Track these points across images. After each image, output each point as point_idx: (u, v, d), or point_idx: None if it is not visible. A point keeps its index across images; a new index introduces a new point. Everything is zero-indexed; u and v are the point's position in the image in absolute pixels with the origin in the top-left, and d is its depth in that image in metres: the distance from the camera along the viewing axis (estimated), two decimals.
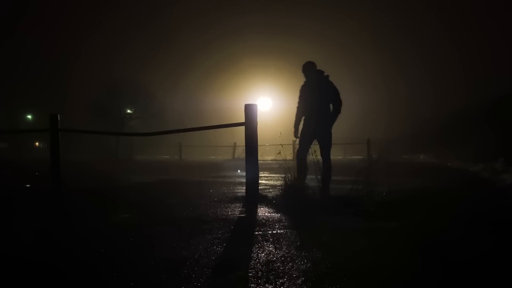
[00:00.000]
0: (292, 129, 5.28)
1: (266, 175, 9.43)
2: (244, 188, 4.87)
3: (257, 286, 1.96)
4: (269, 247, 2.62)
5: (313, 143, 5.09)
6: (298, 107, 5.35)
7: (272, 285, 1.96)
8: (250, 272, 2.14)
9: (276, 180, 7.57)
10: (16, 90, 31.34)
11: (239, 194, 5.16)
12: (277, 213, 3.93)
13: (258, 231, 3.13)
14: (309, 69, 5.29)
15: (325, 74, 5.24)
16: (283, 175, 4.74)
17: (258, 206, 4.31)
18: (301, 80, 5.36)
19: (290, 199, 4.37)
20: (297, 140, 5.29)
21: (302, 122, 5.28)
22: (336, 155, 28.00)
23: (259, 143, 4.85)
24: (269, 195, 4.89)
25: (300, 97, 5.36)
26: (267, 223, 3.43)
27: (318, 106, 5.10)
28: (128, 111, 29.32)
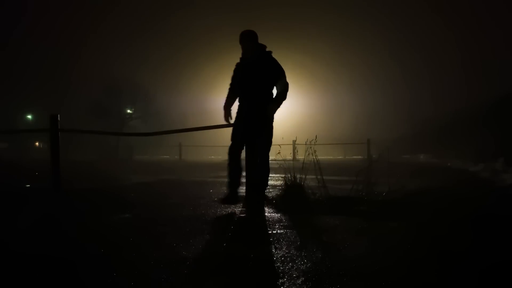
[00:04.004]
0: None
1: None
2: (244, 188, 4.86)
3: (257, 286, 1.95)
4: (269, 247, 2.62)
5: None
6: (230, 89, 4.42)
7: (272, 285, 1.96)
8: (250, 272, 2.14)
9: (276, 180, 7.56)
10: (16, 90, 31.35)
11: (239, 194, 5.15)
12: (277, 213, 3.93)
13: (258, 231, 3.12)
14: (248, 40, 4.25)
15: (267, 49, 4.29)
16: (283, 175, 4.74)
17: None
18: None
19: (290, 199, 4.36)
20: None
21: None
22: (336, 155, 28.04)
23: None
24: (269, 195, 4.89)
25: (234, 78, 4.39)
26: (267, 223, 3.43)
27: (256, 89, 4.17)
28: (128, 111, 29.36)
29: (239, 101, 4.34)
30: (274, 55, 4.39)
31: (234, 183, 4.30)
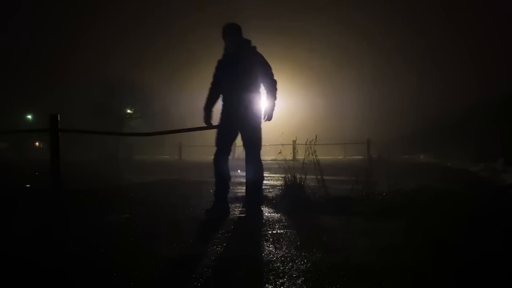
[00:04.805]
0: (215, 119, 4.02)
1: (266, 175, 9.42)
2: (244, 188, 4.87)
3: (257, 286, 1.95)
4: (269, 247, 2.62)
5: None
6: (211, 88, 4.08)
7: (272, 285, 1.96)
8: (250, 272, 2.14)
9: (276, 180, 7.57)
10: (16, 90, 31.39)
11: (239, 194, 5.15)
12: (277, 213, 3.93)
13: (258, 231, 3.12)
14: (232, 34, 3.90)
15: (252, 44, 3.97)
16: (283, 175, 4.74)
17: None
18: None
19: (290, 199, 4.36)
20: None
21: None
22: (336, 155, 28.03)
23: None
24: (269, 195, 4.89)
25: (216, 75, 4.06)
26: (267, 223, 3.43)
27: (242, 87, 3.86)
28: (128, 111, 29.36)
29: (222, 101, 4.02)
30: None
31: (221, 193, 3.95)
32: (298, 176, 4.61)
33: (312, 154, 4.73)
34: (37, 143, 32.98)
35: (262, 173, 4.20)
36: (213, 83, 4.10)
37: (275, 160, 4.90)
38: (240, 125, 3.94)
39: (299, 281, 2.00)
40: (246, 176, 4.33)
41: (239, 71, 3.89)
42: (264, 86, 3.99)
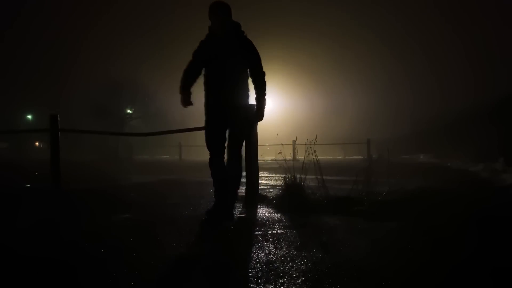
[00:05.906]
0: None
1: (266, 175, 9.43)
2: (244, 188, 4.87)
3: (257, 286, 1.96)
4: (269, 247, 2.62)
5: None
6: (188, 68, 3.65)
7: (272, 285, 1.96)
8: (250, 272, 2.14)
9: (276, 180, 7.57)
10: (16, 90, 31.42)
11: (239, 194, 5.16)
12: (277, 213, 3.93)
13: (258, 231, 3.13)
14: (220, 14, 3.47)
15: (241, 29, 3.60)
16: (283, 175, 4.74)
17: (258, 206, 4.32)
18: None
19: (290, 199, 4.36)
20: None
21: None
22: (336, 155, 28.02)
23: (259, 143, 4.84)
24: (269, 195, 4.89)
25: (198, 53, 3.61)
26: (267, 223, 3.43)
27: (227, 77, 3.49)
28: (128, 111, 29.40)
29: (205, 91, 3.63)
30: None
31: (221, 194, 3.67)
32: (298, 176, 4.61)
33: (312, 154, 4.73)
34: (37, 143, 33.00)
35: (240, 171, 3.83)
36: (191, 62, 3.66)
37: (275, 160, 4.90)
38: (229, 105, 3.54)
39: (299, 281, 2.00)
40: (243, 173, 4.13)
41: (225, 57, 3.50)
42: (251, 77, 3.62)
